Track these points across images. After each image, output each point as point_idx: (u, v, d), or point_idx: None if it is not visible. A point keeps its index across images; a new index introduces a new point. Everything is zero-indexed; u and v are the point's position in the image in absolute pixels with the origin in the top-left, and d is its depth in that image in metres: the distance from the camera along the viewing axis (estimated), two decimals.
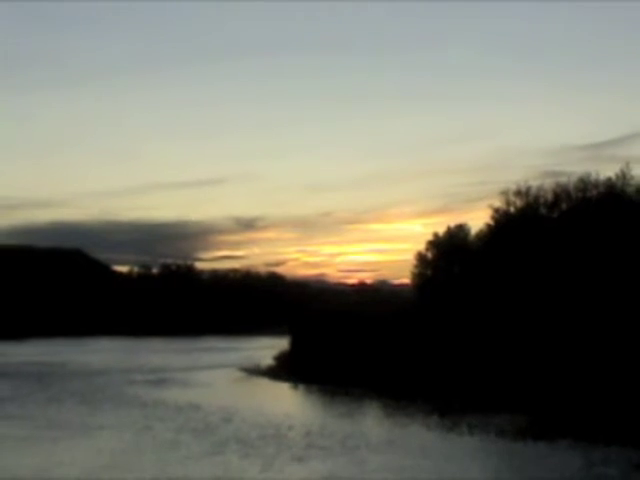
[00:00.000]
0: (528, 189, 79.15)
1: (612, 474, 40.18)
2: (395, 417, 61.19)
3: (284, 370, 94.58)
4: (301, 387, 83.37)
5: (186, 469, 41.72)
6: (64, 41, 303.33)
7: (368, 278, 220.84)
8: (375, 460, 43.96)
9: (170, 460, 44.12)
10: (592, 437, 49.28)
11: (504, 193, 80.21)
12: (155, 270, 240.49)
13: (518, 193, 79.40)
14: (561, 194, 77.47)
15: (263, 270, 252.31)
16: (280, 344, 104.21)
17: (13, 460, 44.93)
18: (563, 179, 78.96)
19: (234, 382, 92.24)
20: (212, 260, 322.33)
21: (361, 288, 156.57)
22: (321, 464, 43.04)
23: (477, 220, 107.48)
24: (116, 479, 39.52)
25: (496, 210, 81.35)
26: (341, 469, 41.67)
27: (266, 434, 52.18)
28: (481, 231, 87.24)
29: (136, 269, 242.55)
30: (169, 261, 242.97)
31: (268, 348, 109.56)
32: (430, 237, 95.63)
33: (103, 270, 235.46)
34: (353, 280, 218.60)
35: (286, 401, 77.64)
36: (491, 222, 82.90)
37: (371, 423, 59.53)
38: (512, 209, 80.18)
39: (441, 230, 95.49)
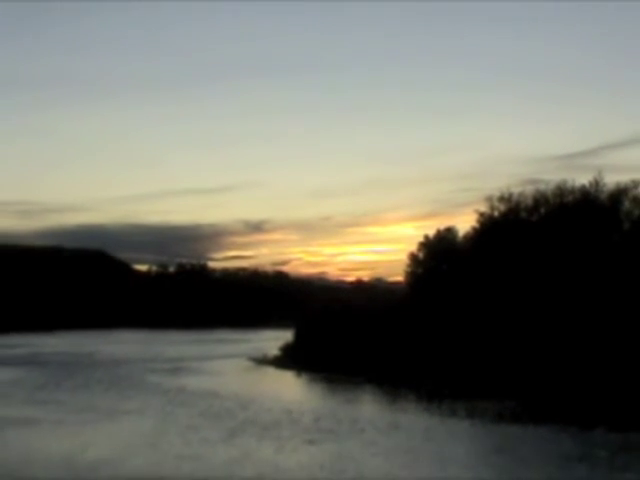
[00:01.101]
0: (510, 195, 79.10)
1: (602, 455, 39.86)
2: (396, 403, 60.84)
3: (289, 360, 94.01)
4: (304, 375, 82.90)
5: (207, 450, 41.46)
6: (91, 60, 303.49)
7: (365, 276, 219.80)
8: (383, 442, 43.71)
9: (192, 442, 43.89)
10: (579, 421, 48.98)
11: (488, 199, 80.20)
12: (171, 269, 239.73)
13: (501, 199, 79.32)
14: (540, 200, 77.39)
15: (269, 269, 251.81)
16: (285, 336, 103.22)
17: (48, 442, 44.84)
18: (542, 186, 78.78)
19: (244, 371, 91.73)
20: (223, 260, 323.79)
21: (359, 285, 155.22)
22: (332, 445, 42.76)
23: (464, 223, 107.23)
24: (143, 459, 39.29)
25: (481, 214, 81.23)
26: (352, 450, 41.31)
27: (279, 418, 51.89)
28: (468, 233, 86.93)
29: (154, 268, 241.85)
30: (184, 261, 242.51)
31: (274, 340, 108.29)
32: (421, 239, 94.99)
33: (124, 269, 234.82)
34: (351, 278, 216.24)
35: (293, 388, 77.44)
36: (477, 225, 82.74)
37: (375, 408, 59.23)
38: (496, 213, 80.00)
39: (431, 232, 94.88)
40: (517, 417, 52.12)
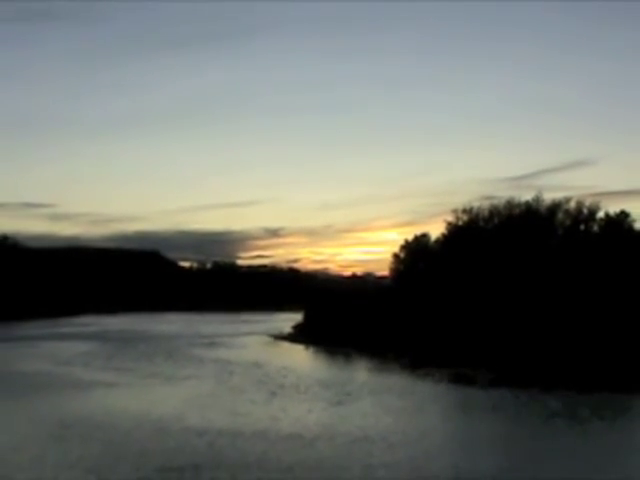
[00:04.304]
0: (471, 208, 79.29)
1: (583, 414, 39.20)
2: (397, 370, 59.21)
3: (300, 336, 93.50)
4: (311, 348, 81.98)
5: (253, 408, 40.94)
6: (150, 103, 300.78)
7: (359, 271, 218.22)
8: (396, 403, 42.81)
9: (240, 401, 43.28)
10: (554, 387, 47.70)
11: (454, 211, 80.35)
12: (208, 266, 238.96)
13: (464, 211, 79.51)
14: (494, 212, 77.60)
15: (284, 265, 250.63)
16: (296, 318, 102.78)
17: (124, 401, 44.57)
18: (495, 201, 79.27)
19: (265, 344, 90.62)
20: (248, 258, 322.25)
21: (354, 278, 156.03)
22: (356, 405, 41.87)
23: (436, 230, 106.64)
24: (202, 415, 38.81)
25: (449, 223, 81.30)
26: (371, 410, 40.31)
27: (308, 384, 50.88)
28: (438, 238, 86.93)
29: (195, 265, 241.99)
30: (218, 259, 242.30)
31: (288, 320, 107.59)
32: (402, 242, 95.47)
33: (172, 265, 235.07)
34: (348, 272, 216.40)
35: (307, 359, 76.21)
36: (445, 232, 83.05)
37: (381, 375, 57.48)
38: (460, 223, 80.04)
39: (410, 237, 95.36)
40: (500, 383, 50.57)
